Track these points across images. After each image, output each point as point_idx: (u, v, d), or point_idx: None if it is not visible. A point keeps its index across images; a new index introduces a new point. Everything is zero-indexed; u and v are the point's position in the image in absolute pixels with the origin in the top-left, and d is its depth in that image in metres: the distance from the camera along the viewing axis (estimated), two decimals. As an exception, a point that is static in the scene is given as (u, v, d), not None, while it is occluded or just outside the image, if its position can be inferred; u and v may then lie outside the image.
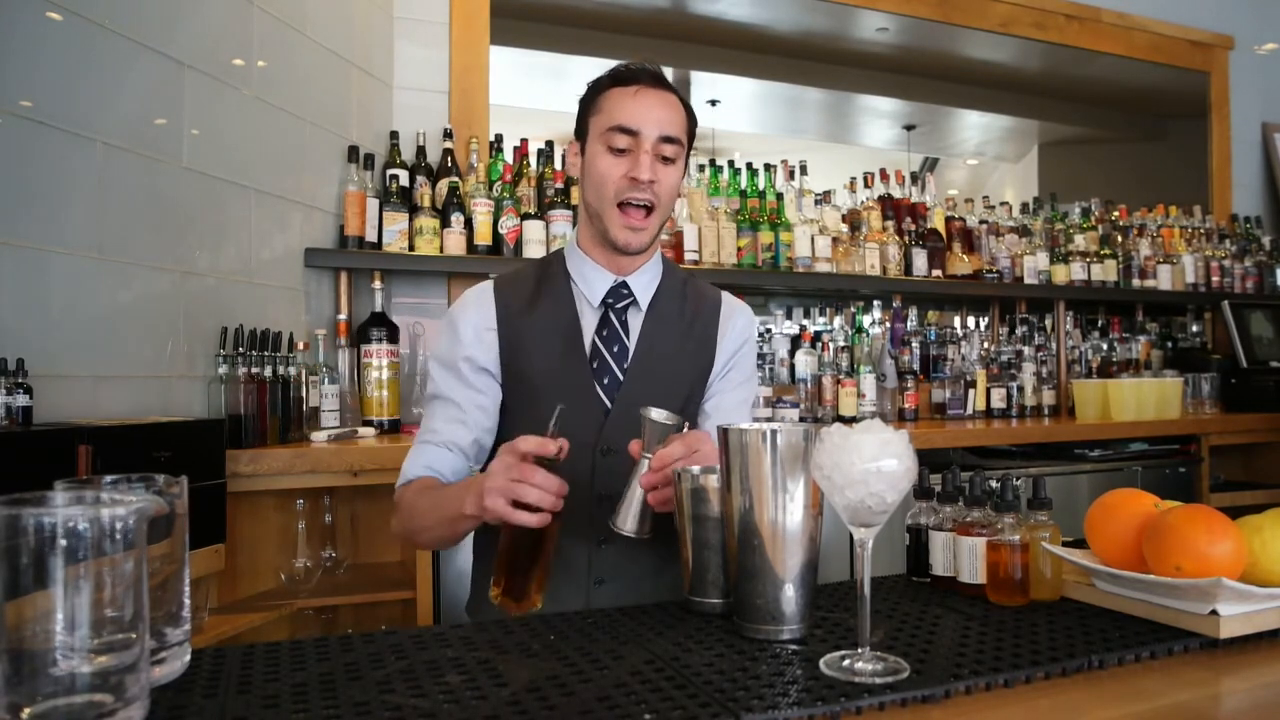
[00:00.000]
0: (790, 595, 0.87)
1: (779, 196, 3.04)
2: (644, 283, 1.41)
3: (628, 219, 1.32)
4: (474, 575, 1.47)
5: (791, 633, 0.87)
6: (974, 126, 4.37)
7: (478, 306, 1.38)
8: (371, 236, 2.52)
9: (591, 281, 1.39)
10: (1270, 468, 3.34)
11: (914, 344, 3.17)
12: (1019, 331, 3.45)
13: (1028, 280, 3.39)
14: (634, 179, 1.29)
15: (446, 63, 2.82)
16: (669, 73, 1.50)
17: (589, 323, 1.39)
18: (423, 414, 1.43)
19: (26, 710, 0.60)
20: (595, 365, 1.36)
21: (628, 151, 1.30)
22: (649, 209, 1.32)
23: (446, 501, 1.21)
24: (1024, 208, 3.65)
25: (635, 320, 1.40)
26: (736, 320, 1.49)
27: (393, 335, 2.52)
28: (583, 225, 1.41)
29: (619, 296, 1.39)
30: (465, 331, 1.37)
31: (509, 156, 2.78)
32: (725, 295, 1.51)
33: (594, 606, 1.19)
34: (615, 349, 1.38)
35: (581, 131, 1.37)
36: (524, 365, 1.36)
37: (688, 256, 2.80)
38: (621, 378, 1.36)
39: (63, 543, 0.60)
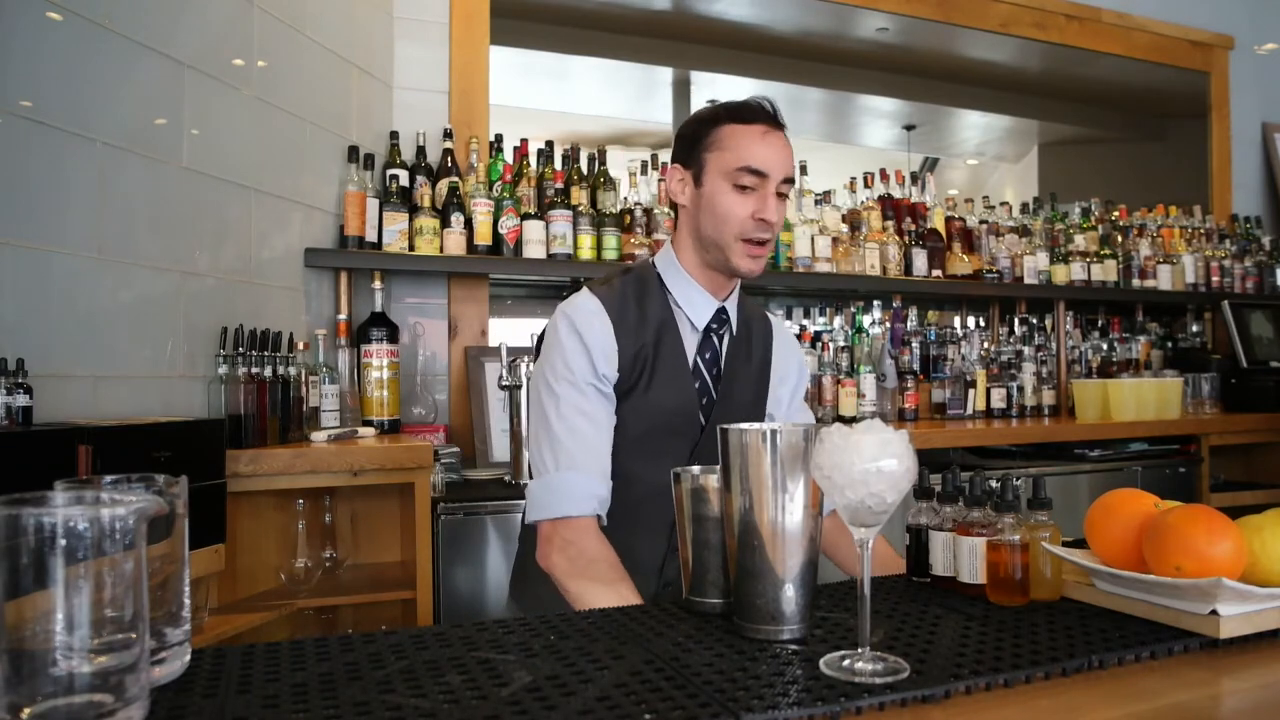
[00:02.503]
0: (790, 595, 0.87)
1: (779, 196, 3.03)
2: (734, 307, 1.50)
3: (751, 249, 1.39)
4: (518, 561, 1.54)
5: (791, 633, 0.87)
6: (974, 126, 4.37)
7: (600, 322, 1.38)
8: (371, 236, 2.52)
9: (697, 305, 1.45)
10: (1270, 468, 3.34)
11: (914, 344, 3.17)
12: (1019, 331, 3.45)
13: (1028, 280, 3.39)
14: (762, 220, 1.36)
15: (446, 63, 2.82)
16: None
17: (690, 344, 1.45)
18: (541, 438, 1.37)
19: (26, 710, 0.60)
20: (697, 385, 1.44)
21: (752, 190, 1.36)
22: (765, 242, 1.41)
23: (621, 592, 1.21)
24: (1024, 208, 3.65)
25: (723, 342, 1.49)
26: (792, 354, 1.62)
27: (393, 335, 2.52)
28: (687, 249, 1.46)
29: (720, 321, 1.47)
30: (596, 344, 1.36)
31: (509, 156, 2.78)
32: (772, 320, 1.61)
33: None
34: (714, 371, 1.46)
35: (693, 161, 1.42)
36: (640, 387, 1.39)
37: (688, 256, 2.80)
38: (715, 395, 1.46)
39: (63, 543, 0.60)
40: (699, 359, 1.45)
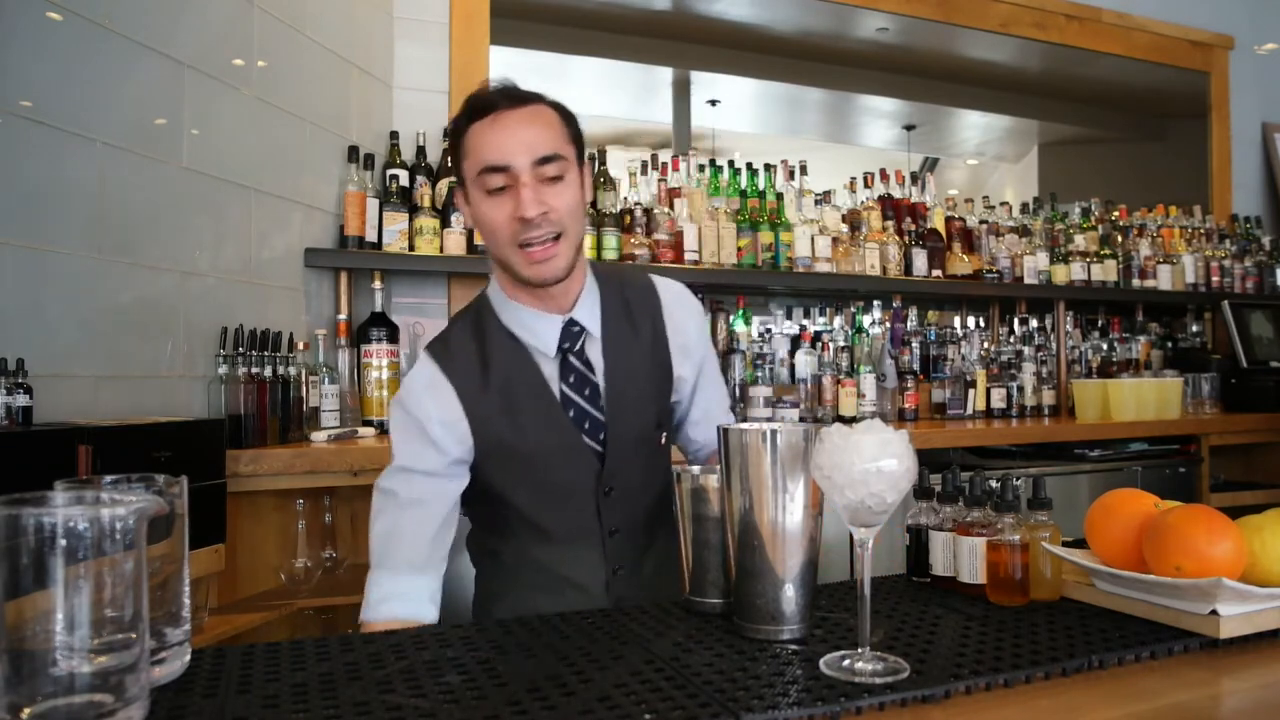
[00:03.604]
0: (790, 595, 0.87)
1: (779, 196, 3.04)
2: (588, 311, 1.32)
3: (531, 254, 1.20)
4: (478, 587, 1.43)
5: (791, 633, 0.87)
6: (974, 126, 4.37)
7: (436, 398, 1.26)
8: (371, 236, 2.52)
9: (539, 332, 1.29)
10: (1270, 468, 3.34)
11: (914, 344, 3.17)
12: (1019, 331, 3.45)
13: (1028, 280, 3.39)
14: (522, 219, 1.18)
15: (446, 63, 2.82)
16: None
17: (550, 373, 1.29)
18: (377, 521, 1.27)
19: (26, 710, 0.60)
20: (572, 414, 1.29)
21: (508, 188, 1.19)
22: (554, 237, 1.21)
23: None
24: (1024, 208, 3.65)
25: (594, 353, 1.32)
26: (677, 309, 1.41)
27: (393, 335, 2.52)
28: (499, 273, 1.31)
29: (572, 338, 1.29)
30: (435, 430, 1.25)
31: (509, 156, 2.78)
32: (659, 283, 1.42)
33: None
34: (587, 392, 1.30)
35: (460, 177, 1.26)
36: (503, 444, 1.27)
37: (688, 256, 2.80)
38: (602, 417, 1.30)
39: (63, 543, 0.60)
40: (563, 387, 1.29)
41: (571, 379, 1.30)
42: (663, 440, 1.42)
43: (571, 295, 1.30)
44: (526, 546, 1.33)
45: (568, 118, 1.26)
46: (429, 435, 1.25)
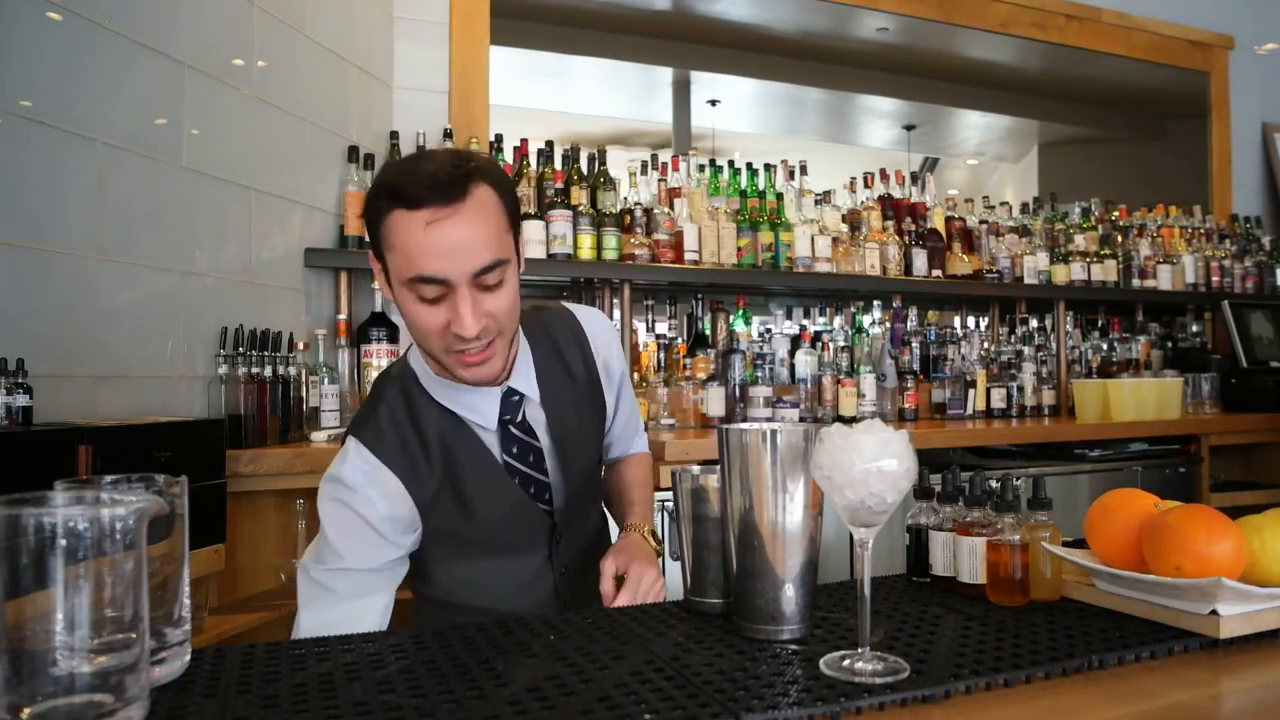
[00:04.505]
0: (790, 595, 0.87)
1: (779, 196, 3.04)
2: (524, 375, 1.25)
3: (467, 360, 1.12)
4: (419, 619, 1.38)
5: (791, 633, 0.87)
6: (974, 126, 4.37)
7: (379, 490, 1.16)
8: (371, 236, 2.52)
9: (478, 408, 1.21)
10: (1270, 468, 3.34)
11: (914, 344, 3.17)
12: (1019, 331, 3.45)
13: (1028, 280, 3.39)
14: (460, 336, 1.08)
15: (446, 63, 2.82)
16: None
17: (491, 442, 1.23)
18: (309, 613, 1.17)
19: (26, 710, 0.60)
20: (517, 480, 1.24)
21: (443, 297, 1.07)
22: (490, 342, 1.12)
23: None
24: (1024, 208, 3.65)
25: (534, 415, 1.26)
26: (600, 338, 1.37)
27: (393, 335, 2.52)
28: (425, 357, 1.21)
29: (513, 408, 1.23)
30: (384, 527, 1.16)
31: (509, 157, 2.78)
32: (579, 313, 1.38)
33: None
34: (530, 459, 1.25)
35: (378, 254, 1.11)
36: (453, 522, 1.21)
37: (688, 256, 2.80)
38: (547, 480, 1.26)
39: (63, 543, 0.60)
40: (506, 458, 1.23)
41: (514, 449, 1.24)
42: (602, 471, 1.45)
43: (508, 366, 1.21)
44: (475, 596, 1.29)
45: (505, 191, 1.12)
46: (377, 532, 1.16)
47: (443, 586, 1.30)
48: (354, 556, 1.15)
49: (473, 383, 1.17)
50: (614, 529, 1.48)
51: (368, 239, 1.15)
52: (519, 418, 1.24)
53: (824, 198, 3.19)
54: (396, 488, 1.17)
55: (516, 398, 1.24)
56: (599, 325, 1.39)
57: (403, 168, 1.07)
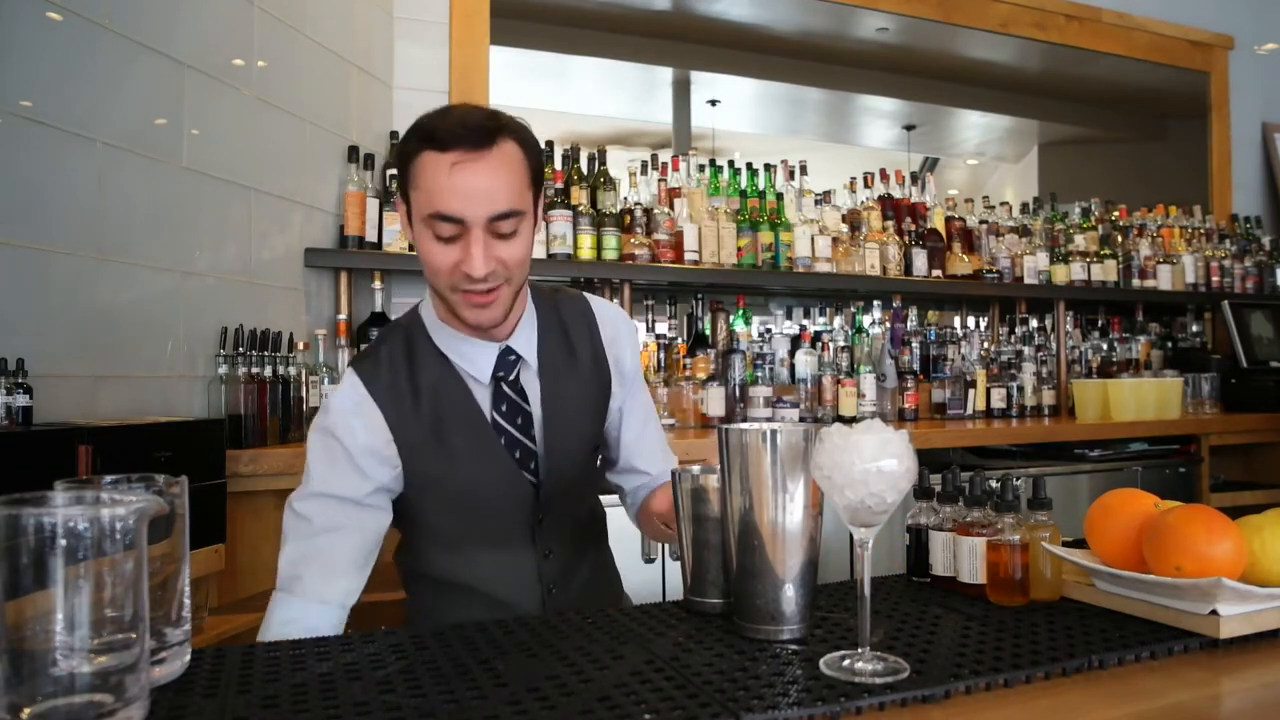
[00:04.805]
0: (790, 595, 0.87)
1: (779, 196, 3.04)
2: (525, 340, 1.28)
3: (471, 299, 1.16)
4: (409, 608, 1.38)
5: (791, 633, 0.87)
6: (974, 126, 4.37)
7: (363, 420, 1.20)
8: (371, 236, 2.52)
9: (473, 359, 1.24)
10: (1270, 468, 3.34)
11: (914, 344, 3.17)
12: (1019, 331, 3.45)
13: (1028, 280, 3.39)
14: (467, 274, 1.12)
15: (446, 63, 2.82)
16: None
17: (483, 398, 1.25)
18: (288, 545, 1.19)
19: (26, 710, 0.60)
20: (503, 441, 1.25)
21: (457, 237, 1.12)
22: (496, 287, 1.16)
23: None
24: (1024, 208, 3.65)
25: (529, 381, 1.28)
26: (622, 338, 1.39)
27: (393, 335, 2.51)
28: (434, 299, 1.25)
29: (507, 366, 1.25)
30: (362, 458, 1.19)
31: (509, 156, 2.78)
32: (597, 305, 1.39)
33: None
34: (519, 420, 1.26)
35: (405, 197, 1.17)
36: (433, 469, 1.23)
37: (688, 256, 2.80)
38: (534, 447, 1.27)
39: (63, 543, 0.60)
40: (495, 415, 1.25)
41: (504, 408, 1.26)
42: (597, 461, 1.41)
43: (510, 325, 1.25)
44: (458, 570, 1.29)
45: (531, 151, 1.17)
46: (353, 461, 1.19)
47: (427, 557, 1.31)
48: (330, 483, 1.19)
49: (474, 325, 1.19)
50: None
51: (397, 182, 1.21)
52: (512, 376, 1.26)
53: (824, 198, 3.19)
54: (379, 423, 1.20)
55: (513, 357, 1.26)
56: (614, 317, 1.40)
57: (438, 114, 1.14)
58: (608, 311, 1.40)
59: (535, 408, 1.28)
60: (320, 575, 1.17)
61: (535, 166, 1.18)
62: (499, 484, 1.25)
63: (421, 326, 1.28)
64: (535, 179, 1.19)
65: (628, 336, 1.41)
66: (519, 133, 1.16)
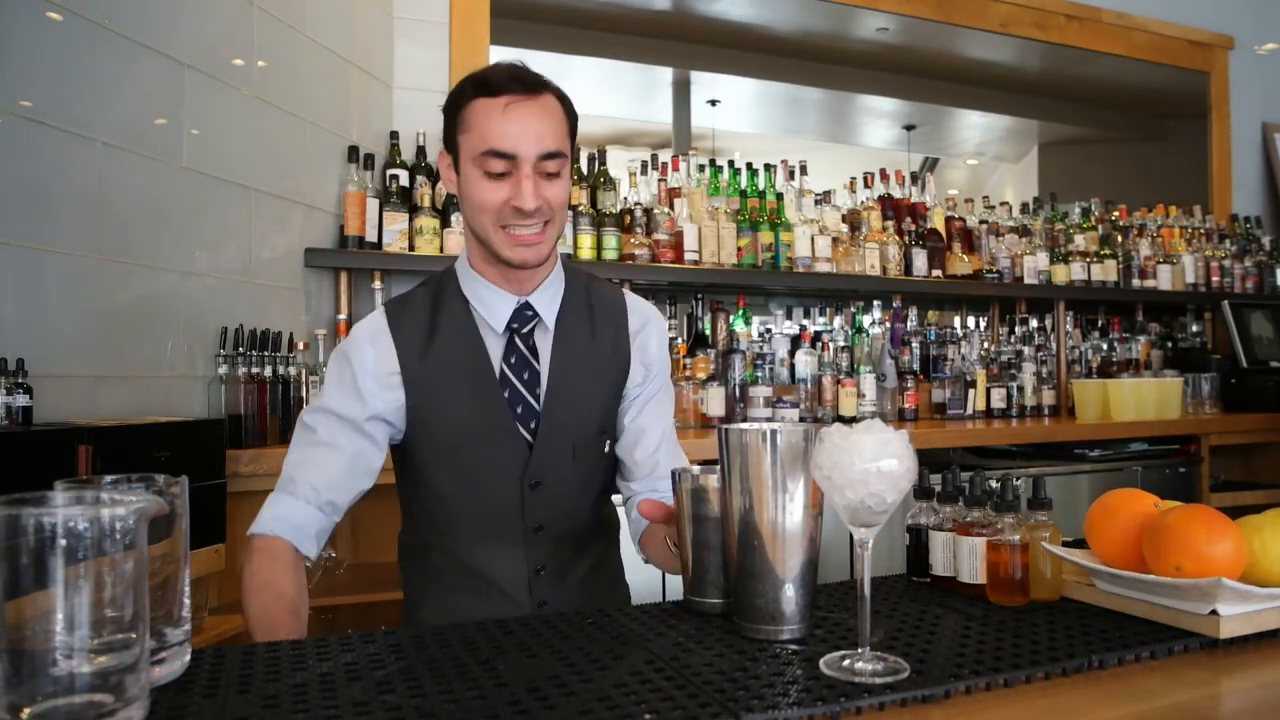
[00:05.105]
0: (790, 595, 0.87)
1: (779, 196, 3.04)
2: (547, 300, 1.32)
3: (516, 238, 1.22)
4: (406, 595, 1.40)
5: (791, 633, 0.87)
6: (974, 126, 4.37)
7: (375, 348, 1.28)
8: (371, 236, 2.52)
9: (492, 306, 1.29)
10: (1270, 468, 3.34)
11: (914, 344, 3.17)
12: (1019, 331, 3.45)
13: (1028, 280, 3.39)
14: (517, 208, 1.20)
15: (446, 63, 2.82)
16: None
17: (495, 349, 1.30)
18: (292, 451, 1.28)
19: (26, 710, 0.60)
20: (507, 394, 1.28)
21: (507, 175, 1.20)
22: (542, 226, 1.23)
23: (276, 622, 1.12)
24: (1024, 208, 3.65)
25: (543, 342, 1.32)
26: (650, 329, 1.41)
27: (393, 335, 2.51)
28: (471, 243, 1.31)
29: (523, 320, 1.30)
30: (366, 382, 1.26)
31: (509, 156, 2.78)
32: (631, 299, 1.43)
33: None
34: (526, 375, 1.29)
35: (452, 145, 1.25)
36: (433, 407, 1.28)
37: (688, 256, 2.80)
38: (537, 407, 1.29)
39: (63, 543, 0.60)
40: (503, 366, 1.29)
41: (513, 360, 1.29)
42: (606, 448, 1.38)
43: (535, 281, 1.31)
44: (449, 542, 1.31)
45: (570, 110, 1.27)
46: (358, 384, 1.26)
47: (422, 527, 1.35)
48: (335, 400, 1.27)
49: (517, 264, 1.25)
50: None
51: (443, 135, 1.28)
52: (526, 329, 1.31)
53: (824, 198, 3.19)
54: (390, 353, 1.27)
55: (531, 313, 1.31)
56: (645, 310, 1.43)
57: (486, 69, 1.24)
58: (639, 304, 1.44)
59: (544, 369, 1.31)
60: (314, 481, 1.24)
61: (572, 122, 1.28)
62: (493, 432, 1.28)
63: (453, 274, 1.34)
64: (572, 132, 1.28)
65: (655, 329, 1.43)
66: (559, 93, 1.26)
